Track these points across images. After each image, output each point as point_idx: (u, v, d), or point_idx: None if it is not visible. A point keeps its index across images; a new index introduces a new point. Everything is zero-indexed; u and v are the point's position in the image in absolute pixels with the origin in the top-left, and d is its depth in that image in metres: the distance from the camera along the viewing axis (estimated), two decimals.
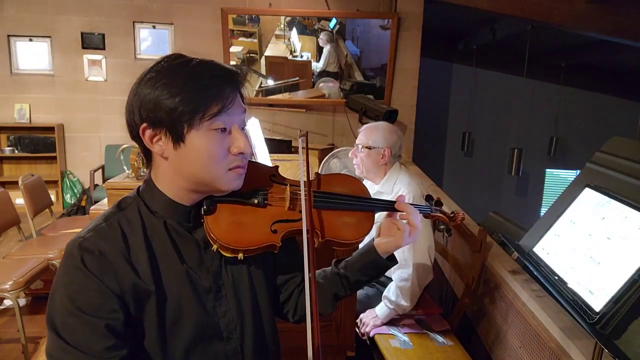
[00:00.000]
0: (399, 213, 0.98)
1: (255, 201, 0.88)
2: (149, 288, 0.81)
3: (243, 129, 0.84)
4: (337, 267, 1.03)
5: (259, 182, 0.91)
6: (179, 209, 0.85)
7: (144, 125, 0.79)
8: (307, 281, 0.80)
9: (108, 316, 0.77)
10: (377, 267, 0.99)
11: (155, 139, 0.80)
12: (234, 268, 0.91)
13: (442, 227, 1.06)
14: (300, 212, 0.90)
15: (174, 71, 0.79)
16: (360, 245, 1.03)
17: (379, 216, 0.99)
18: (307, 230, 0.87)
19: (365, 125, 2.07)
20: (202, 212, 0.85)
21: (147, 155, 0.85)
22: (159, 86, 0.77)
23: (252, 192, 0.89)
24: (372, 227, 0.97)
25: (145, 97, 0.78)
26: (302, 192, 0.90)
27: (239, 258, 0.85)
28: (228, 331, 0.90)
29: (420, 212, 1.02)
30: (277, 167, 0.96)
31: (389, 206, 0.99)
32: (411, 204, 0.99)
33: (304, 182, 0.91)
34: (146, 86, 0.78)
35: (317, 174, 0.99)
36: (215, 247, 0.85)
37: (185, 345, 0.85)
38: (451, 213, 1.09)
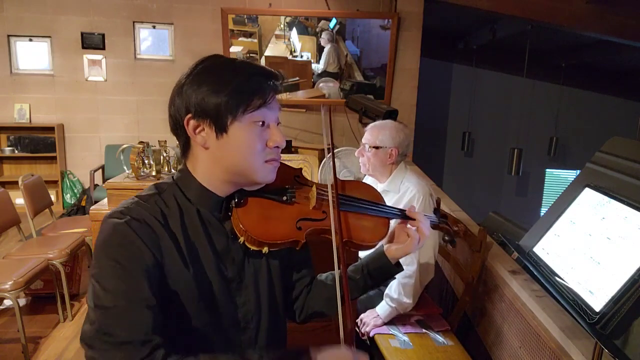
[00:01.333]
0: (409, 221, 1.03)
1: (284, 198, 0.93)
2: (185, 269, 0.84)
3: (278, 125, 0.89)
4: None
5: (285, 181, 0.96)
6: (213, 198, 0.89)
7: (189, 115, 0.84)
8: (337, 276, 0.83)
9: (149, 270, 0.78)
10: (385, 272, 1.04)
11: (198, 130, 0.84)
12: (255, 262, 0.94)
13: (447, 238, 1.10)
14: (324, 212, 0.94)
15: (218, 68, 0.85)
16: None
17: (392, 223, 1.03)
18: (335, 232, 0.91)
19: (371, 124, 2.00)
20: (233, 205, 0.89)
21: (186, 148, 0.90)
22: (204, 83, 0.82)
23: (280, 189, 0.93)
24: (387, 233, 1.02)
25: (191, 95, 0.83)
26: (330, 193, 0.95)
27: (263, 252, 0.88)
28: (245, 321, 0.93)
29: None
30: (300, 169, 1.01)
31: (402, 214, 1.04)
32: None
33: (331, 182, 0.96)
34: (191, 85, 0.83)
35: (337, 178, 1.02)
36: (242, 239, 0.87)
37: (205, 331, 0.87)
38: (455, 226, 1.13)
